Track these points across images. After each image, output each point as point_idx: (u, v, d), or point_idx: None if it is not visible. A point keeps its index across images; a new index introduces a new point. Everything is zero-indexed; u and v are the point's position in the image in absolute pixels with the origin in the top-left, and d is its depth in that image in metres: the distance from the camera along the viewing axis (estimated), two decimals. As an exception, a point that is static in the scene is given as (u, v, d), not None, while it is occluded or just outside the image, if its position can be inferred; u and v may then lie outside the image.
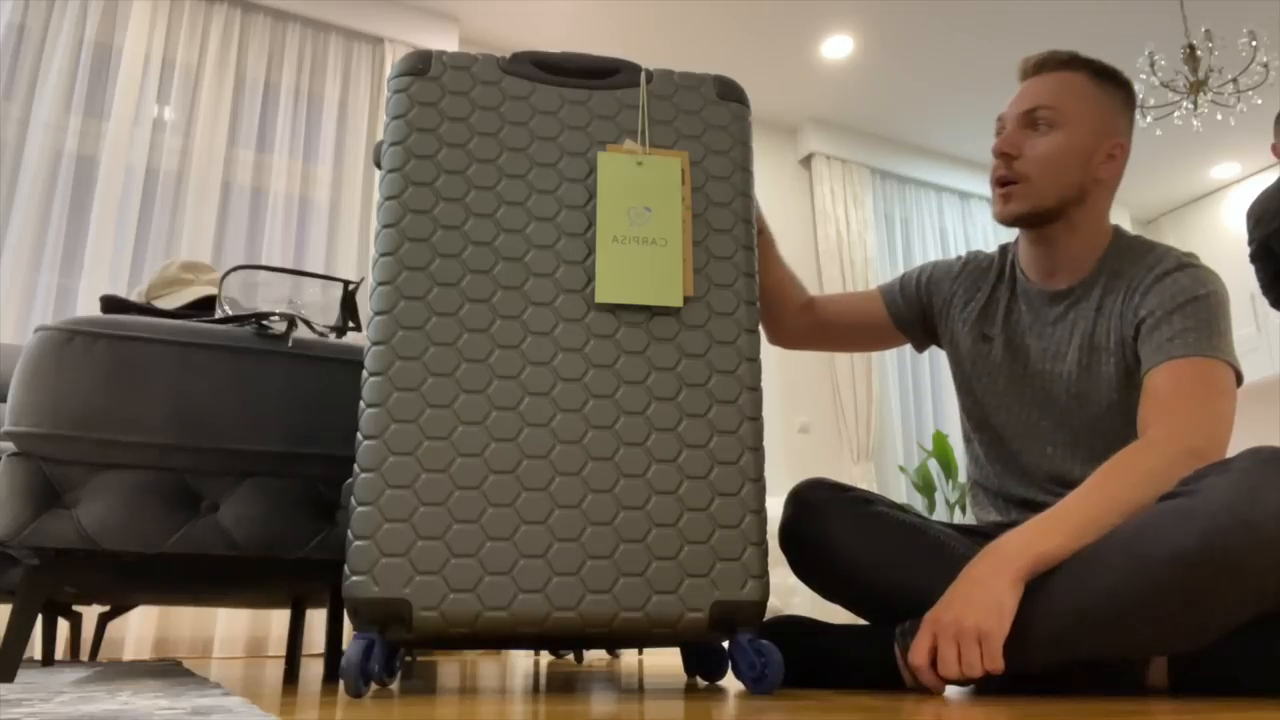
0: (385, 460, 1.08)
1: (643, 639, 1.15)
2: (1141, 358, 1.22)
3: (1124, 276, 1.28)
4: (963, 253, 4.39)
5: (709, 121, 1.27)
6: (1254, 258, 2.27)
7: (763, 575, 1.12)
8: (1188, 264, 1.24)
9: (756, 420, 1.17)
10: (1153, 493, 1.04)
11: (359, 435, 1.09)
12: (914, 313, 1.49)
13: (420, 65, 1.23)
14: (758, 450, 1.16)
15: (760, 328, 1.22)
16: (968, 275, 1.45)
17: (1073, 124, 1.28)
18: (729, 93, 1.29)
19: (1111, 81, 1.31)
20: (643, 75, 1.27)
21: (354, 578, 1.04)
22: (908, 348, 4.55)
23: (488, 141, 1.20)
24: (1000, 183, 1.30)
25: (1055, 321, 1.33)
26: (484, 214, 1.18)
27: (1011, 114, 1.31)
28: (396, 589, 1.04)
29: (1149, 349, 1.20)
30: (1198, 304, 1.19)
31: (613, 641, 1.18)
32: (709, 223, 1.23)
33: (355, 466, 1.08)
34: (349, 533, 1.06)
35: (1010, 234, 5.14)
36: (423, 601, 1.04)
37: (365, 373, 1.12)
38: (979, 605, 1.01)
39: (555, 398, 1.12)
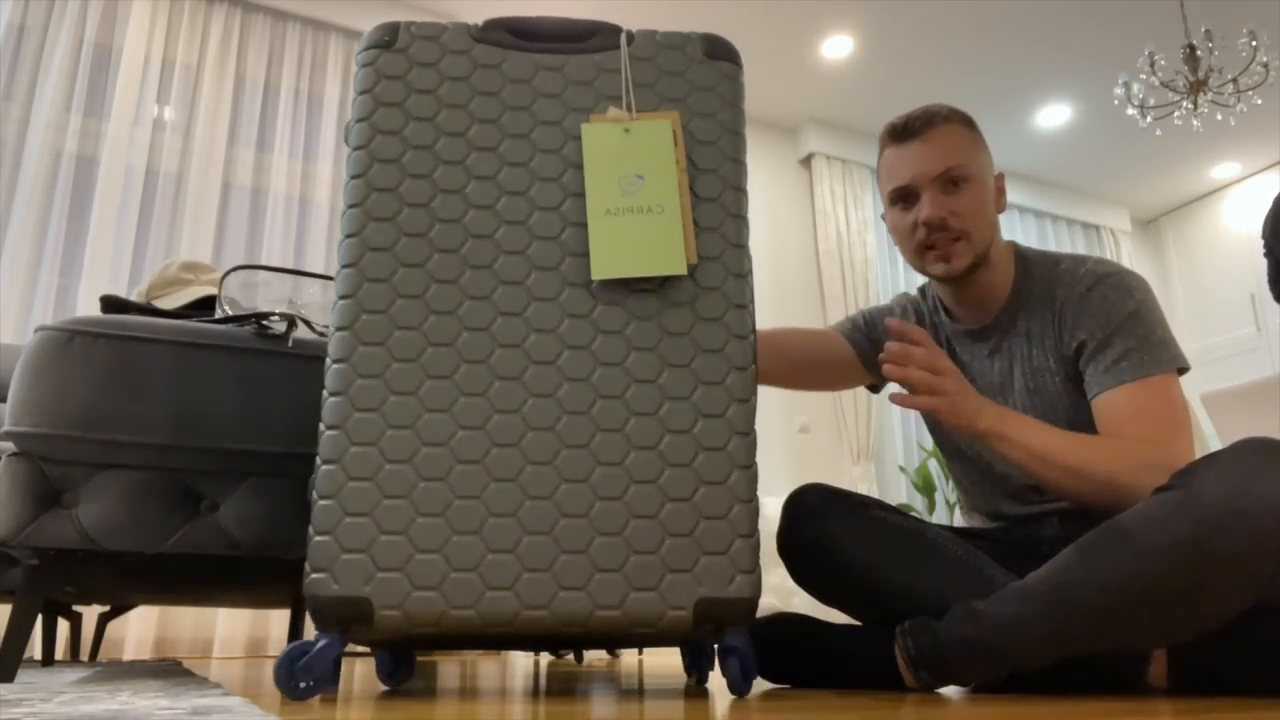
0: (346, 451, 1.04)
1: (623, 639, 1.10)
2: (1089, 381, 1.25)
3: (1044, 297, 1.32)
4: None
5: (694, 83, 1.20)
6: (1265, 254, 2.30)
7: (753, 570, 1.04)
8: (1104, 274, 1.28)
9: (746, 402, 1.09)
10: (1120, 477, 1.13)
11: (321, 426, 1.05)
12: (870, 350, 1.51)
13: (387, 37, 1.19)
14: (747, 435, 1.08)
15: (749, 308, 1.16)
16: (903, 317, 1.49)
17: (975, 174, 1.32)
18: (718, 51, 1.22)
19: (975, 126, 1.38)
20: (623, 37, 1.20)
21: (314, 575, 1.00)
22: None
23: (456, 114, 1.16)
24: (933, 245, 1.32)
25: (990, 355, 1.37)
26: (452, 190, 1.13)
27: (923, 179, 1.32)
28: (357, 587, 1.00)
29: (1097, 373, 1.24)
30: (1133, 319, 1.23)
31: (593, 641, 1.14)
32: (695, 192, 1.16)
33: (318, 459, 1.04)
34: (310, 528, 1.03)
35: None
36: (384, 600, 1.00)
37: (329, 360, 1.08)
38: (968, 395, 1.20)
39: (526, 382, 1.07)
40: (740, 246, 1.15)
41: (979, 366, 1.39)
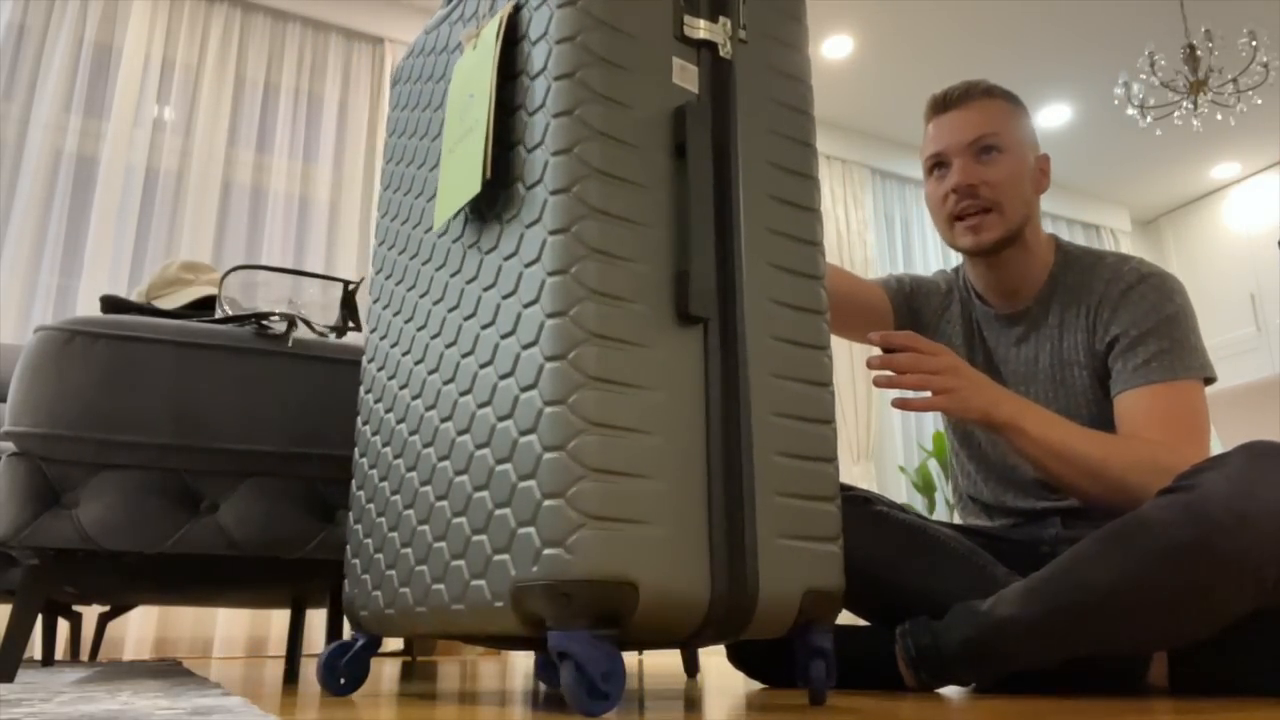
0: (356, 460, 1.17)
1: (490, 640, 0.98)
2: (1115, 377, 1.25)
3: (1082, 290, 1.31)
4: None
5: None
6: None
7: (561, 542, 0.74)
8: (1148, 273, 1.27)
9: (559, 317, 0.80)
10: (1133, 478, 1.12)
11: None
12: (908, 315, 1.50)
13: (394, 75, 1.30)
14: (559, 360, 0.78)
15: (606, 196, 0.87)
16: (948, 294, 1.48)
17: (1012, 147, 1.32)
18: None
19: (1020, 104, 1.37)
20: None
21: (345, 579, 1.13)
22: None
23: (410, 115, 1.20)
24: (963, 215, 1.32)
25: (1018, 343, 1.36)
26: (400, 190, 1.19)
27: (955, 147, 1.32)
28: (352, 589, 1.10)
29: (1125, 370, 1.23)
30: (1170, 322, 1.23)
31: (481, 642, 1.06)
32: (527, 109, 0.90)
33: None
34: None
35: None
36: (360, 601, 1.07)
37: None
38: (980, 386, 1.16)
39: (427, 361, 1.02)
40: (563, 152, 0.84)
41: (1005, 353, 1.37)
